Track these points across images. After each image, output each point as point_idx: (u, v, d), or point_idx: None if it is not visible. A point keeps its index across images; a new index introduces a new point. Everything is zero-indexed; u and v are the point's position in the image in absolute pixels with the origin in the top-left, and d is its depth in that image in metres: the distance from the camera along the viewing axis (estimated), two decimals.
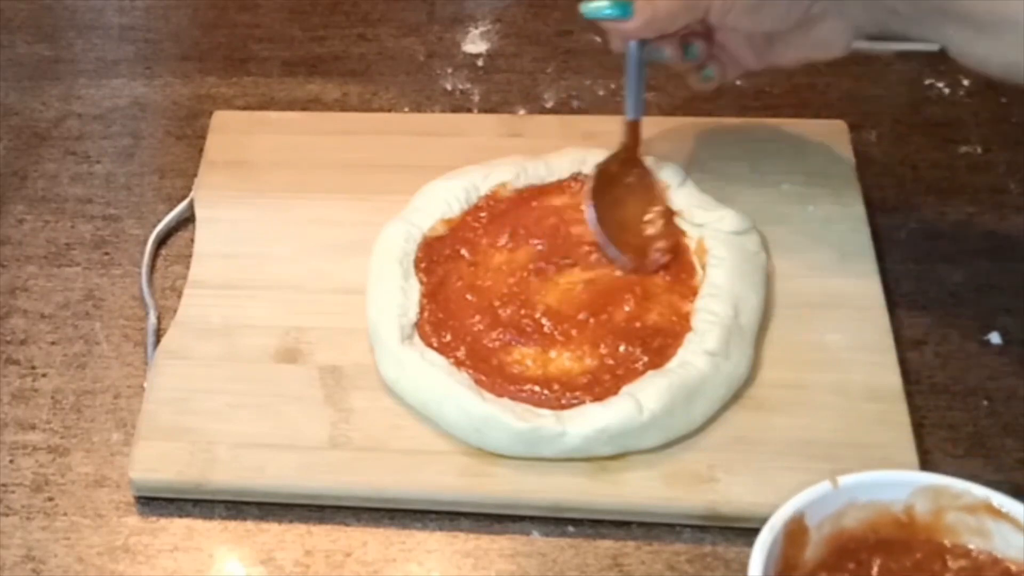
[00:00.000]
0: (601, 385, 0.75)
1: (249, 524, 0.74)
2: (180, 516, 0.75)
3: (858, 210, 0.85)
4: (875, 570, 0.63)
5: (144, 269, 0.87)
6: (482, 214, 0.84)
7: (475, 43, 1.03)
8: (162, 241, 0.89)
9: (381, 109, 0.98)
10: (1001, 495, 0.63)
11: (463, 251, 0.82)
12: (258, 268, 0.85)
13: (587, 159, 0.86)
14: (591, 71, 1.00)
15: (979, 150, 0.92)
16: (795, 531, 0.63)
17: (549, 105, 0.97)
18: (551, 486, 0.73)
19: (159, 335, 0.83)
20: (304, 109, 0.98)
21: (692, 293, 0.79)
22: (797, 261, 0.83)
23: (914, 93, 0.96)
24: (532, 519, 0.74)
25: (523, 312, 0.79)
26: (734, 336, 0.76)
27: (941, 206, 0.88)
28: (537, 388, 0.75)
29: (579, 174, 0.86)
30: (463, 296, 0.80)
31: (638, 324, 0.77)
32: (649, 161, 0.84)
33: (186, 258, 0.87)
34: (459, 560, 0.72)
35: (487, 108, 0.98)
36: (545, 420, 0.73)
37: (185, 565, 0.73)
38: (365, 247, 0.84)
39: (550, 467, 0.74)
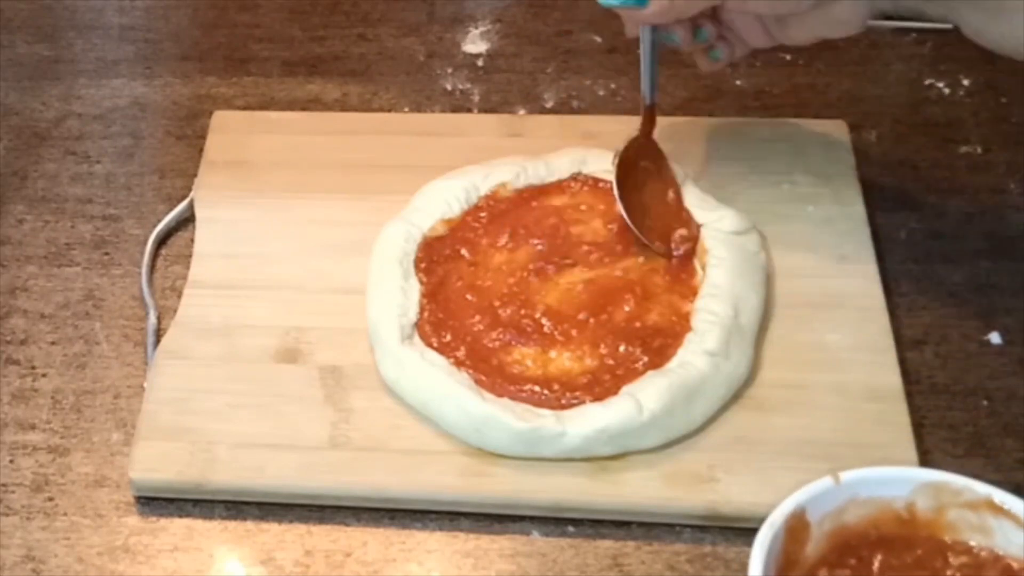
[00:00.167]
0: (601, 385, 0.75)
1: (249, 524, 0.74)
2: (180, 516, 0.75)
3: (858, 210, 0.85)
4: (876, 566, 0.63)
5: (144, 269, 0.87)
6: (482, 214, 0.84)
7: (475, 43, 1.03)
8: (162, 241, 0.89)
9: (381, 109, 0.98)
10: (1002, 492, 0.63)
11: (463, 251, 0.82)
12: (258, 268, 0.85)
13: (587, 159, 0.86)
14: (591, 71, 1.00)
15: (979, 150, 0.92)
16: (796, 527, 0.63)
17: (549, 105, 0.97)
18: (551, 486, 0.73)
19: (159, 335, 0.83)
20: (304, 109, 0.98)
21: (692, 293, 0.79)
22: (797, 261, 0.83)
23: (914, 93, 0.96)
24: (532, 519, 0.74)
25: (523, 312, 0.79)
26: (734, 336, 0.76)
27: (941, 206, 0.88)
28: (537, 388, 0.75)
29: (579, 174, 0.86)
30: (463, 296, 0.80)
31: (638, 324, 0.77)
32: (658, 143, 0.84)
33: (186, 258, 0.87)
34: (459, 560, 0.72)
35: (487, 108, 0.98)
36: (545, 420, 0.73)
37: (185, 565, 0.73)
38: (365, 247, 0.84)
39: (550, 467, 0.74)
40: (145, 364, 0.82)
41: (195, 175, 0.92)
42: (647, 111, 0.83)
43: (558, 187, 0.86)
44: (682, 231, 0.82)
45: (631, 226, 0.81)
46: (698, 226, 0.82)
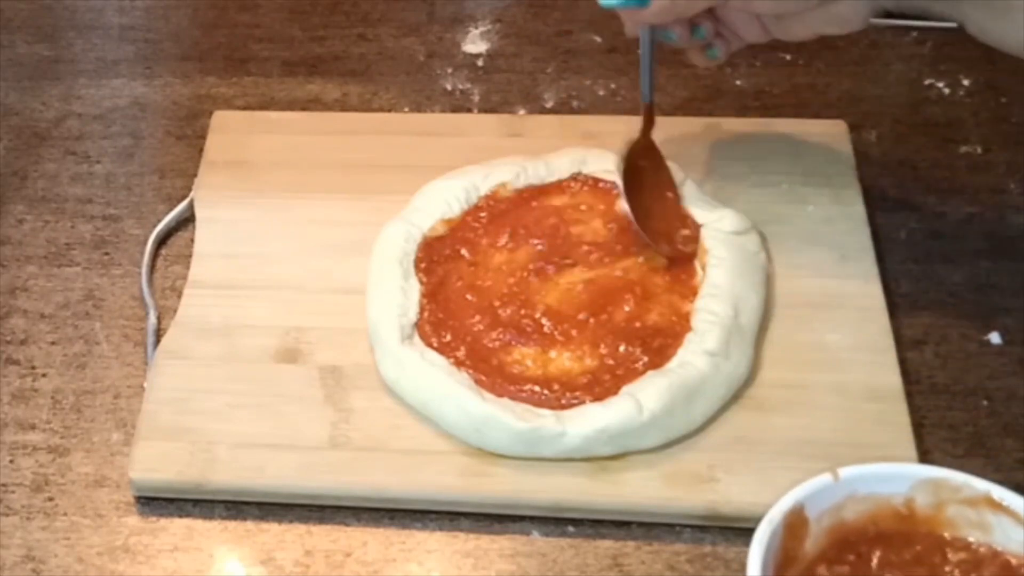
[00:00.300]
0: (601, 385, 0.75)
1: (249, 524, 0.74)
2: (180, 516, 0.75)
3: (858, 210, 0.85)
4: (875, 563, 0.63)
5: (144, 269, 0.87)
6: (482, 214, 0.84)
7: (475, 43, 1.03)
8: (162, 241, 0.89)
9: (381, 109, 0.98)
10: (1001, 488, 0.63)
11: (463, 251, 0.82)
12: (258, 268, 0.85)
13: (587, 159, 0.86)
14: (591, 71, 1.00)
15: (979, 150, 0.92)
16: (795, 523, 0.63)
17: (549, 105, 0.97)
18: (551, 486, 0.73)
19: (159, 335, 0.83)
20: (304, 109, 0.98)
21: (692, 293, 0.79)
22: (797, 261, 0.83)
23: (914, 93, 0.96)
24: (532, 519, 0.74)
25: (523, 312, 0.79)
26: (734, 336, 0.76)
27: (941, 206, 0.88)
28: (537, 388, 0.75)
29: (579, 174, 0.86)
30: (463, 296, 0.80)
31: (638, 324, 0.77)
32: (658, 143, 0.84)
33: (186, 258, 0.87)
34: (459, 560, 0.72)
35: (487, 108, 0.98)
36: (545, 420, 0.73)
37: (185, 565, 0.73)
38: (365, 247, 0.84)
39: (550, 467, 0.74)
40: (145, 364, 0.82)
41: (195, 175, 0.92)
42: (647, 110, 0.83)
43: (558, 187, 0.86)
44: (684, 231, 0.82)
45: (638, 230, 0.81)
46: (698, 225, 0.82)
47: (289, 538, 0.74)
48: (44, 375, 0.83)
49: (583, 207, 0.84)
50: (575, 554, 0.72)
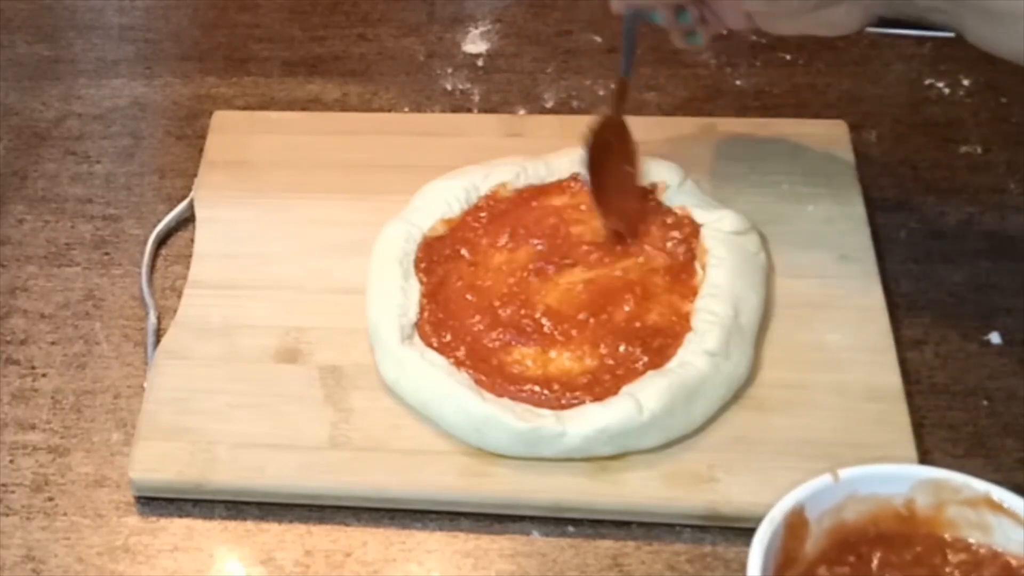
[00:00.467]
0: (601, 385, 0.75)
1: (249, 524, 0.74)
2: (180, 516, 0.75)
3: (858, 210, 0.85)
4: (875, 563, 0.63)
5: (144, 269, 0.87)
6: (482, 214, 0.84)
7: (475, 43, 1.03)
8: (162, 241, 0.89)
9: (381, 109, 0.98)
10: (1001, 489, 0.63)
11: (463, 251, 0.82)
12: (258, 268, 0.85)
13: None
14: (591, 71, 1.00)
15: (979, 150, 0.92)
16: (795, 524, 0.63)
17: (549, 105, 0.97)
18: (551, 486, 0.73)
19: (159, 335, 0.83)
20: (304, 109, 0.98)
21: (692, 293, 0.79)
22: (797, 261, 0.83)
23: (914, 93, 0.96)
24: (532, 519, 0.74)
25: (523, 312, 0.79)
26: (734, 336, 0.76)
27: (941, 206, 0.88)
28: (537, 388, 0.75)
29: (579, 174, 0.86)
30: (463, 296, 0.80)
31: (638, 324, 0.77)
32: (630, 122, 0.85)
33: (186, 258, 0.87)
34: (459, 560, 0.72)
35: (487, 108, 0.98)
36: (545, 420, 0.73)
37: (185, 565, 0.73)
38: (365, 247, 0.84)
39: (550, 467, 0.74)
40: (145, 364, 0.82)
41: (195, 175, 0.92)
42: (620, 84, 0.83)
43: (558, 187, 0.86)
44: (674, 234, 0.82)
45: (593, 201, 0.82)
46: (696, 227, 0.82)
47: (289, 538, 0.74)
48: (44, 375, 0.83)
49: (583, 207, 0.84)
50: (575, 554, 0.72)
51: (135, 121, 0.99)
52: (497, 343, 0.77)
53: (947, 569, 0.63)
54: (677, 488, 0.73)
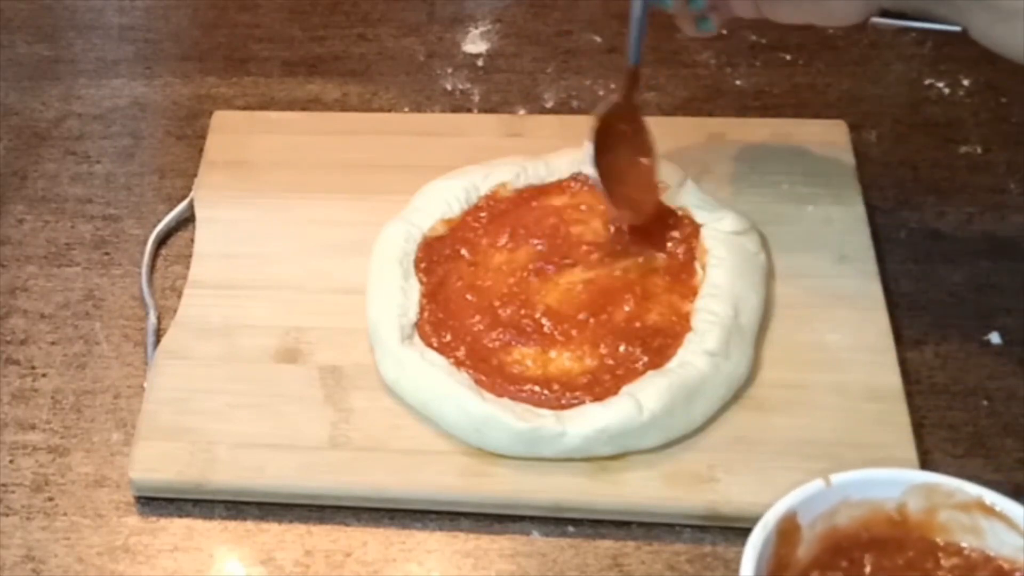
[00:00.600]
0: (601, 385, 0.75)
1: (249, 524, 0.74)
2: (180, 516, 0.75)
3: (858, 210, 0.85)
4: (868, 568, 0.63)
5: (144, 269, 0.87)
6: (482, 214, 0.84)
7: (475, 43, 1.03)
8: (162, 241, 0.89)
9: (381, 109, 0.98)
10: (993, 493, 0.63)
11: (463, 251, 0.82)
12: (258, 268, 0.85)
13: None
14: (591, 71, 1.00)
15: (979, 150, 0.92)
16: (788, 529, 0.63)
17: (549, 105, 0.97)
18: (551, 486, 0.73)
19: (159, 335, 0.83)
20: (304, 109, 0.98)
21: (692, 293, 0.79)
22: (797, 261, 0.83)
23: (914, 93, 0.96)
24: (532, 519, 0.74)
25: (523, 312, 0.79)
26: (734, 336, 0.76)
27: (941, 206, 0.88)
28: (537, 388, 0.75)
29: (579, 174, 0.86)
30: (463, 296, 0.80)
31: (638, 324, 0.77)
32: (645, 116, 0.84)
33: (186, 258, 0.87)
34: (459, 560, 0.72)
35: (487, 108, 0.98)
36: (545, 420, 0.73)
37: (185, 565, 0.73)
38: (365, 247, 0.84)
39: (550, 467, 0.74)
40: (145, 364, 0.82)
41: (195, 175, 0.92)
42: (631, 73, 0.82)
43: (558, 187, 0.86)
44: (675, 235, 0.81)
45: (602, 192, 0.80)
46: (696, 227, 0.82)
47: (289, 538, 0.74)
48: (44, 375, 0.83)
49: (583, 207, 0.84)
50: (575, 554, 0.72)
51: (135, 121, 0.99)
52: (497, 343, 0.77)
53: (940, 573, 0.63)
54: (677, 488, 0.73)
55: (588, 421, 0.73)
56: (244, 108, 0.98)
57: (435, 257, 0.82)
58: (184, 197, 0.91)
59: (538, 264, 0.81)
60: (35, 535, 0.75)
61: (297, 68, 1.02)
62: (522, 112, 0.97)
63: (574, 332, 0.77)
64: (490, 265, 0.82)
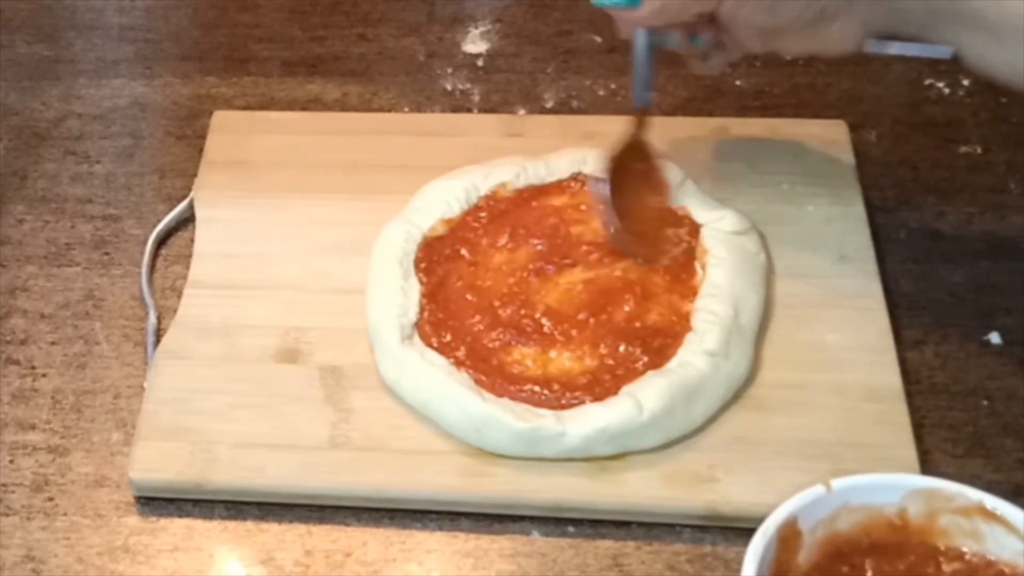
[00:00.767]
0: (601, 385, 0.75)
1: (249, 524, 0.74)
2: (180, 516, 0.75)
3: (858, 210, 0.85)
4: (869, 573, 0.63)
5: (144, 269, 0.87)
6: (482, 214, 0.84)
7: (475, 43, 1.03)
8: (162, 241, 0.89)
9: (381, 109, 0.98)
10: (994, 498, 0.63)
11: (463, 251, 0.82)
12: (258, 268, 0.85)
13: (587, 159, 0.86)
14: (591, 71, 1.00)
15: (979, 150, 0.92)
16: (788, 535, 0.63)
17: (549, 105, 0.97)
18: (551, 486, 0.73)
19: (159, 335, 0.83)
20: (304, 109, 0.98)
21: (692, 293, 0.79)
22: (797, 261, 0.83)
23: (914, 93, 0.96)
24: (532, 519, 0.74)
25: (523, 312, 0.79)
26: (734, 336, 0.76)
27: (941, 206, 0.88)
28: (537, 388, 0.75)
29: (579, 174, 0.86)
30: (463, 296, 0.80)
31: (638, 324, 0.77)
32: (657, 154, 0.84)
33: (186, 258, 0.87)
34: (459, 560, 0.72)
35: (487, 108, 0.98)
36: (545, 420, 0.73)
37: (185, 565, 0.73)
38: (365, 247, 0.84)
39: (550, 467, 0.74)
40: (145, 364, 0.82)
41: (195, 175, 0.92)
42: (639, 114, 0.83)
43: (558, 187, 0.86)
44: (675, 251, 0.81)
45: (619, 231, 0.80)
46: (696, 227, 0.82)
47: (289, 538, 0.74)
48: (44, 375, 0.83)
49: (583, 207, 0.84)
50: (575, 554, 0.72)
51: (135, 121, 0.99)
52: (497, 343, 0.77)
53: None
54: (677, 488, 0.73)
55: (588, 421, 0.73)
56: (244, 108, 0.98)
57: (435, 257, 0.82)
58: (184, 197, 0.91)
59: (538, 264, 0.81)
60: (35, 535, 0.75)
61: (297, 68, 1.02)
62: (522, 112, 0.97)
63: (574, 332, 0.77)
64: (490, 265, 0.82)
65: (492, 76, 1.00)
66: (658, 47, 0.81)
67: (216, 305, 0.83)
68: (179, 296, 0.84)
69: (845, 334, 0.79)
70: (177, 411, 0.78)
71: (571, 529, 0.73)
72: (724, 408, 0.76)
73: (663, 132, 0.85)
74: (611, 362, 0.76)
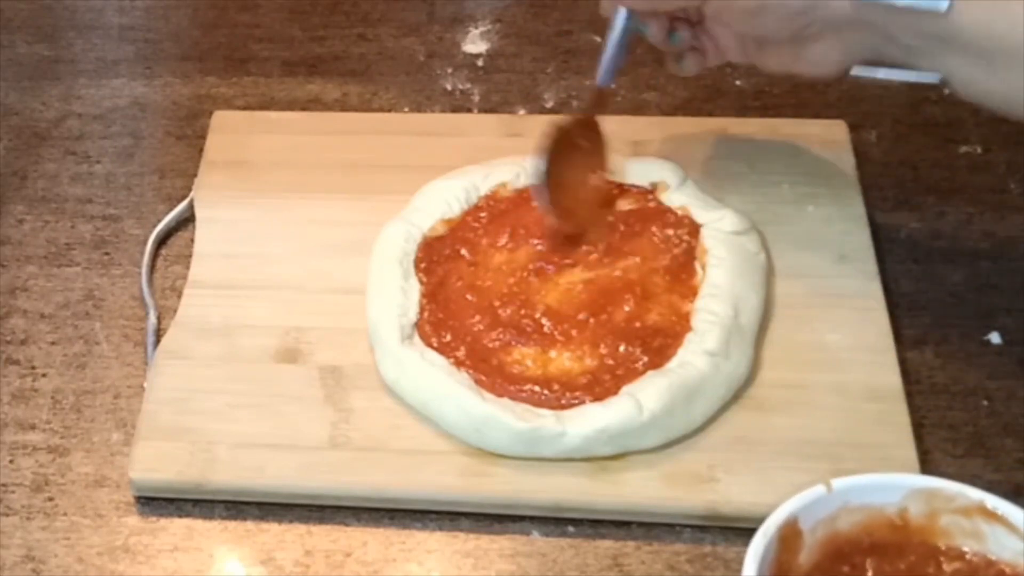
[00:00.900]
0: (601, 385, 0.75)
1: (249, 524, 0.74)
2: (180, 516, 0.75)
3: (858, 210, 0.85)
4: (870, 573, 0.63)
5: (144, 269, 0.87)
6: (482, 214, 0.84)
7: (475, 43, 1.03)
8: (162, 241, 0.89)
9: (381, 109, 0.98)
10: (995, 497, 0.63)
11: (463, 251, 0.82)
12: (258, 268, 0.85)
13: None
14: (591, 71, 0.99)
15: (979, 150, 0.92)
16: (789, 535, 0.63)
17: (549, 105, 0.97)
18: (551, 486, 0.73)
19: (159, 335, 0.83)
20: (304, 109, 0.98)
21: (692, 293, 0.79)
22: (797, 261, 0.83)
23: (914, 93, 0.96)
24: (532, 519, 0.74)
25: (523, 312, 0.79)
26: (734, 336, 0.76)
27: (941, 206, 0.88)
28: (537, 388, 0.75)
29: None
30: (463, 296, 0.80)
31: (638, 324, 0.77)
32: (605, 127, 0.83)
33: (186, 258, 0.87)
34: (459, 560, 0.72)
35: (487, 108, 0.98)
36: (545, 420, 0.73)
37: (185, 565, 0.73)
38: (365, 247, 0.84)
39: (550, 467, 0.74)
40: (145, 364, 0.82)
41: (195, 175, 0.92)
42: (598, 93, 0.82)
43: None
44: (676, 230, 0.81)
45: (545, 202, 0.80)
46: (696, 227, 0.82)
47: (289, 538, 0.74)
48: (44, 375, 0.83)
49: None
50: (575, 554, 0.72)
51: (135, 121, 0.99)
52: (497, 343, 0.77)
53: None
54: (677, 488, 0.73)
55: (588, 421, 0.73)
56: (244, 108, 0.98)
57: (435, 257, 0.82)
58: (184, 197, 0.91)
59: (538, 264, 0.81)
60: (35, 535, 0.75)
61: (297, 68, 1.02)
62: (522, 112, 0.97)
63: (574, 332, 0.77)
64: (490, 265, 0.82)
65: (492, 76, 1.00)
66: (635, 33, 0.80)
67: (216, 305, 0.83)
68: (179, 296, 0.84)
69: (845, 334, 0.79)
70: (177, 411, 0.78)
71: (571, 529, 0.73)
72: (724, 408, 0.76)
73: (663, 132, 0.85)
74: (611, 362, 0.76)
